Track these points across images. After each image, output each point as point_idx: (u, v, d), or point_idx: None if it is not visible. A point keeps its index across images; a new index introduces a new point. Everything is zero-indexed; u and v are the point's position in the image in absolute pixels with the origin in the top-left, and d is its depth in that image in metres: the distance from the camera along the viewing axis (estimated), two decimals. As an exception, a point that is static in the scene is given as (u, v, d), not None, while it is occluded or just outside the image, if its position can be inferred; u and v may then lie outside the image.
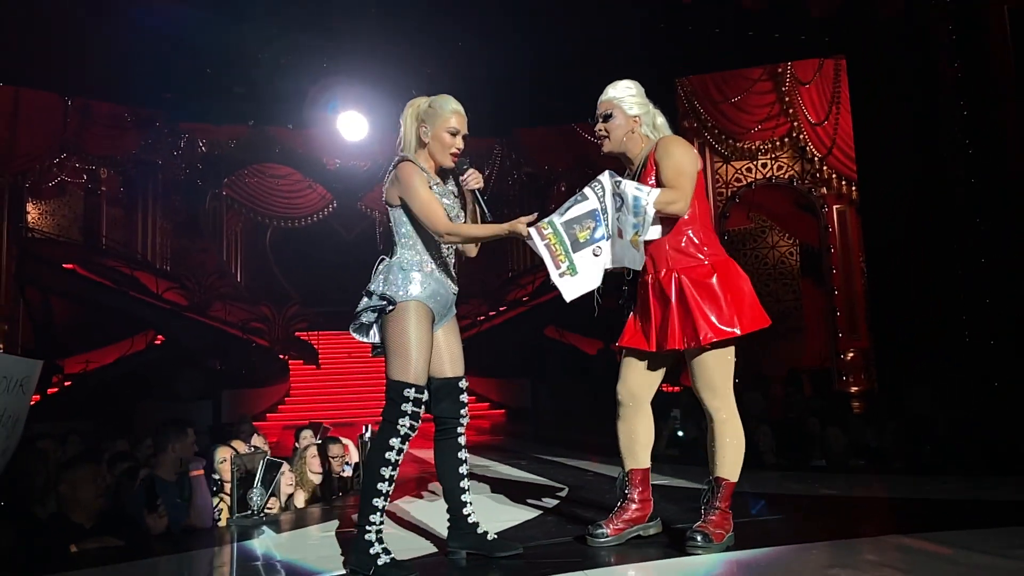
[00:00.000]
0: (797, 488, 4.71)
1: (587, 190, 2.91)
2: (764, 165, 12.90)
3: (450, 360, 3.06)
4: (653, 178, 3.03)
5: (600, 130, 3.17)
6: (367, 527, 2.78)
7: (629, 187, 2.90)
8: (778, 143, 12.73)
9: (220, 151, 17.29)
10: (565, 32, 11.55)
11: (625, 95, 3.14)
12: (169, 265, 17.59)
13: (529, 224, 2.82)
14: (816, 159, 12.38)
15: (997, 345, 7.87)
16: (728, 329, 2.90)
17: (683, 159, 2.99)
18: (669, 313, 2.97)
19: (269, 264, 19.40)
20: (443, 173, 3.07)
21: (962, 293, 8.51)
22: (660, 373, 3.14)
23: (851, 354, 12.00)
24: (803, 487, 4.73)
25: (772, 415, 7.45)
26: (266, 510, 4.22)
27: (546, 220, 2.86)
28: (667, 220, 2.99)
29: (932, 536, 3.13)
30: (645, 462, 3.13)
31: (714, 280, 2.96)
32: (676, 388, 11.56)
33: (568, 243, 2.83)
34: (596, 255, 2.84)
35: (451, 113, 3.00)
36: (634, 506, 3.09)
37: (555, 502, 4.38)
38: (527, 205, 18.43)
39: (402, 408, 2.82)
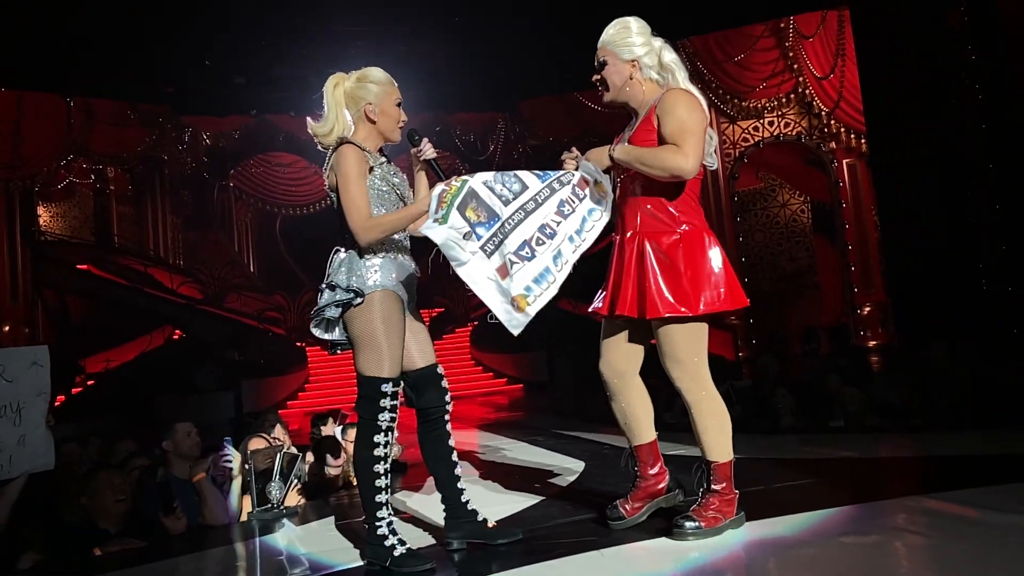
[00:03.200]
0: (814, 452, 4.67)
1: (528, 182, 2.75)
2: (771, 123, 12.74)
3: (421, 348, 2.95)
4: (653, 134, 2.80)
5: (596, 79, 2.91)
6: (377, 522, 2.77)
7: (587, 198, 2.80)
8: (784, 100, 12.57)
9: (224, 143, 17.34)
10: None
11: (619, 38, 2.84)
12: (182, 260, 17.70)
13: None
14: (823, 114, 12.23)
15: (1016, 293, 7.77)
16: (680, 308, 2.70)
17: (688, 115, 2.70)
18: (626, 278, 2.81)
19: (281, 252, 19.45)
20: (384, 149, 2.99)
21: (978, 241, 8.39)
22: (642, 344, 2.98)
23: (867, 308, 11.91)
24: (820, 450, 4.69)
25: (790, 375, 7.41)
26: (286, 503, 4.24)
27: (462, 177, 2.73)
28: (648, 183, 2.78)
29: (954, 495, 3.08)
30: (648, 436, 3.00)
31: (678, 254, 2.75)
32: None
33: (459, 201, 2.66)
34: (464, 238, 2.63)
35: (391, 85, 2.91)
36: (647, 482, 2.99)
37: (573, 478, 4.38)
38: (534, 178, 18.28)
39: (380, 404, 2.75)
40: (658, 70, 2.86)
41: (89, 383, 13.48)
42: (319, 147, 2.94)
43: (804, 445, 5.00)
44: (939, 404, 5.31)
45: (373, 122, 2.89)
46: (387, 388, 2.76)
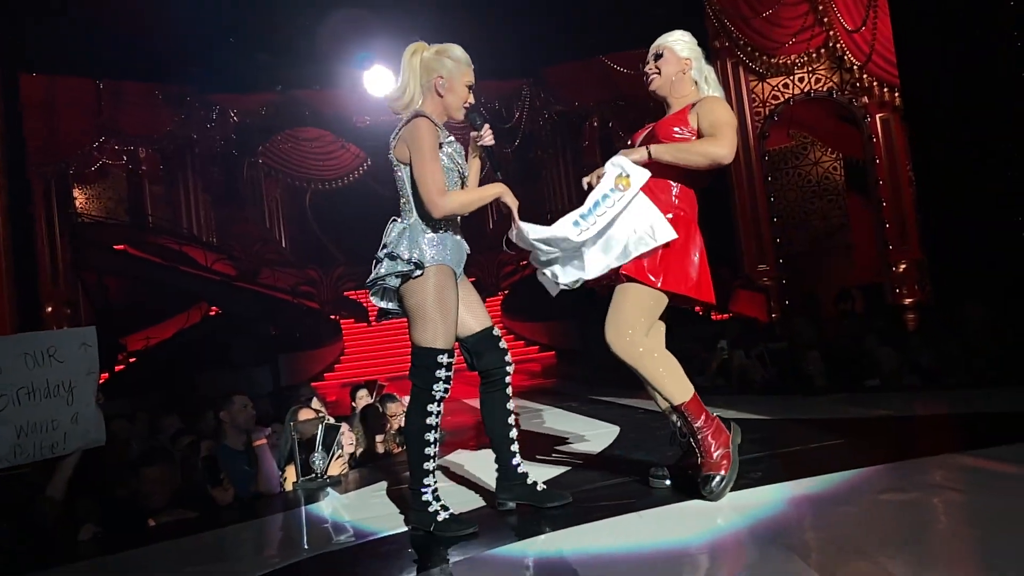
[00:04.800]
0: (850, 411, 4.67)
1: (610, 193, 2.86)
2: (801, 79, 12.49)
3: (475, 313, 3.01)
4: (681, 126, 2.96)
5: (651, 68, 3.11)
6: (422, 489, 2.84)
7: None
8: (814, 55, 12.28)
9: (251, 120, 17.45)
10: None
11: (677, 38, 3.10)
12: (215, 237, 17.94)
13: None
14: (855, 68, 11.92)
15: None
16: (649, 276, 2.85)
17: (725, 113, 2.93)
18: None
19: (311, 227, 19.62)
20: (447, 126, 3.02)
21: (1018, 196, 8.20)
22: (661, 321, 3.06)
23: (903, 266, 11.73)
24: (856, 410, 4.68)
25: (826, 335, 7.36)
26: (330, 472, 4.34)
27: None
28: (661, 166, 2.90)
29: (992, 452, 3.07)
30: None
31: None
32: (725, 316, 11.52)
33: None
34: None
35: (468, 66, 2.95)
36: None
37: (609, 442, 4.43)
38: (559, 144, 18.23)
39: (436, 374, 2.81)
40: (701, 79, 3.08)
41: (131, 361, 13.80)
42: (392, 112, 2.98)
43: (840, 405, 4.99)
44: (976, 362, 5.25)
45: (441, 96, 2.93)
46: (442, 359, 2.82)
